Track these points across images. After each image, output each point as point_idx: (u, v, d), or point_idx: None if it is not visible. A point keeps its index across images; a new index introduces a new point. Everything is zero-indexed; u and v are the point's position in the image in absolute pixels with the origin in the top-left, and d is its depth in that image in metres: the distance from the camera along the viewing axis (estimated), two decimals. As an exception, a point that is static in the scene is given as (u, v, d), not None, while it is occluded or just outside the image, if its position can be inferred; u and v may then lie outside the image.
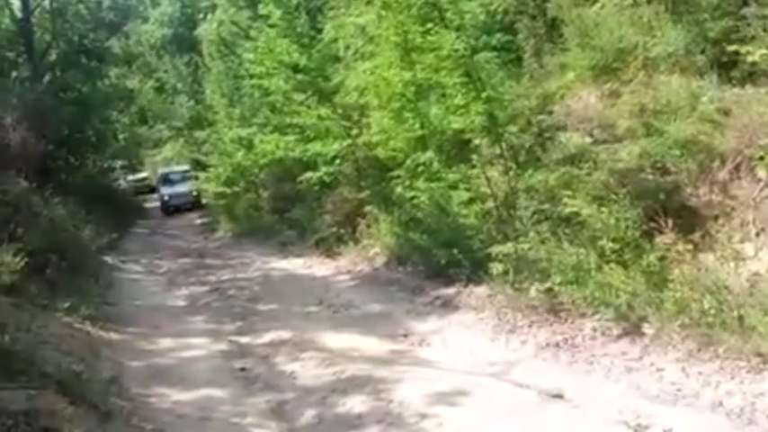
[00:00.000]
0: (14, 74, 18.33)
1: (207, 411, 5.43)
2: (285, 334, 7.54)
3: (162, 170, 29.94)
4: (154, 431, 4.94)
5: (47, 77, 19.22)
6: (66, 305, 7.90)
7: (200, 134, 24.13)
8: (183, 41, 30.29)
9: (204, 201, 26.57)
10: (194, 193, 26.40)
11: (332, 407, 5.47)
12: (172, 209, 27.24)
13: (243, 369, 6.51)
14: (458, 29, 8.33)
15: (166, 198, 27.43)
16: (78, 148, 19.47)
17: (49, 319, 7.32)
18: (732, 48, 7.20)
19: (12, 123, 12.37)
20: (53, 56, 20.20)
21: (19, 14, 19.19)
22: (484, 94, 7.85)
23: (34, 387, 4.80)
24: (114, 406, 5.22)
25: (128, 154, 24.71)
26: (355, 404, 5.44)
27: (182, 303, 9.62)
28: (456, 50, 7.96)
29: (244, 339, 7.56)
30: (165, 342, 7.53)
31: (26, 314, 6.87)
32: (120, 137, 24.32)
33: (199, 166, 24.05)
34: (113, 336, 7.63)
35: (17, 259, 7.67)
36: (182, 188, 27.11)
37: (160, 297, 10.13)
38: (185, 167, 28.87)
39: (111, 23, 21.71)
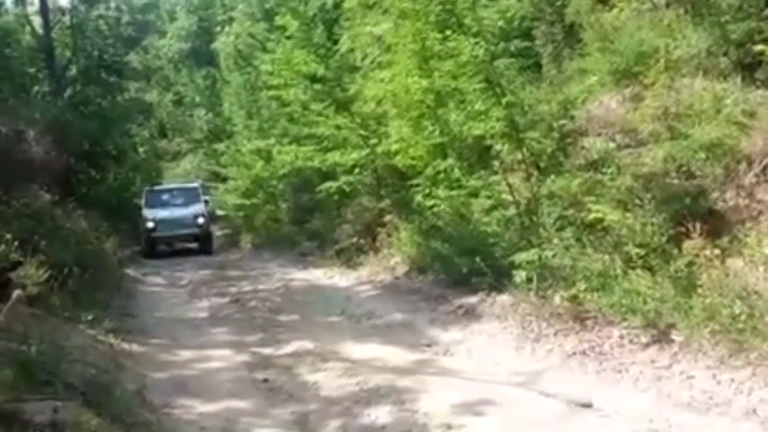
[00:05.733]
0: (36, 88, 18.56)
1: (231, 423, 5.38)
2: (307, 344, 7.49)
3: (151, 188, 20.25)
4: (178, 443, 4.92)
5: (67, 92, 19.43)
6: (90, 317, 7.91)
7: (218, 146, 24.25)
8: (201, 55, 30.54)
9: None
10: (201, 221, 18.20)
11: (356, 417, 5.39)
12: (160, 243, 18.04)
13: (266, 380, 6.46)
14: (476, 35, 8.29)
15: (151, 226, 17.67)
16: (99, 161, 19.65)
17: (73, 331, 7.33)
18: (758, 48, 7.11)
19: (34, 137, 12.48)
20: (74, 71, 20.43)
21: (40, 31, 19.46)
22: (504, 100, 7.79)
23: (59, 398, 4.79)
24: (139, 417, 5.20)
25: (147, 167, 24.50)
26: (380, 415, 5.36)
27: (203, 315, 9.61)
28: (475, 56, 7.92)
29: (266, 350, 7.51)
30: (188, 354, 7.51)
31: (49, 326, 6.88)
32: (140, 150, 24.42)
33: (218, 178, 24.04)
34: (136, 348, 7.63)
35: (40, 271, 7.69)
36: (181, 211, 18.26)
37: (182, 309, 10.13)
38: (192, 184, 21.35)
39: (129, 38, 21.91)
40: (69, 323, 7.67)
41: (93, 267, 9.62)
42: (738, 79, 7.63)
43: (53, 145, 13.19)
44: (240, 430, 5.26)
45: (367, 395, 5.80)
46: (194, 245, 18.43)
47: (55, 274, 7.90)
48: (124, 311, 9.28)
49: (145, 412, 5.45)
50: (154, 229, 17.70)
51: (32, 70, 19.26)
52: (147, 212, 18.22)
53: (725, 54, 8.03)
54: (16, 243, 7.64)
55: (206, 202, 19.58)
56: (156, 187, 20.89)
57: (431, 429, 4.98)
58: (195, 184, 21.17)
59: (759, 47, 7.22)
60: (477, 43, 8.06)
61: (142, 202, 19.05)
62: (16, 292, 5.72)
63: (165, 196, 19.42)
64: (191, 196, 19.32)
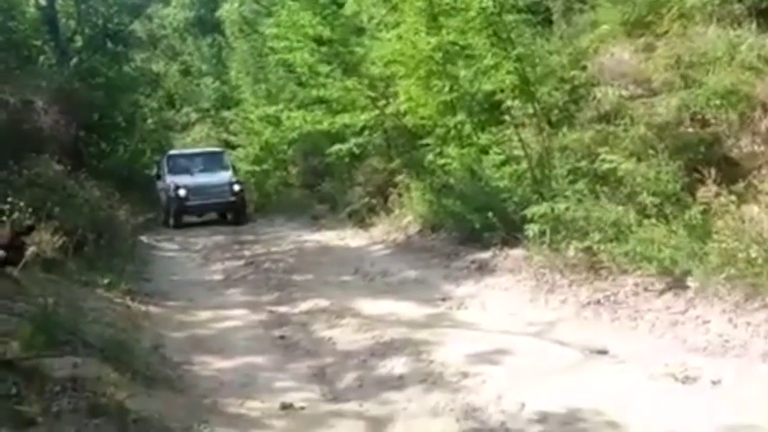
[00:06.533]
0: (42, 58, 18.48)
1: (249, 377, 5.43)
2: (322, 302, 7.53)
3: (172, 153, 18.60)
4: (199, 396, 4.97)
5: (73, 62, 19.35)
6: (106, 281, 7.98)
7: (227, 114, 24.15)
8: (206, 23, 30.20)
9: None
10: (237, 188, 16.31)
11: (372, 369, 5.44)
12: (191, 214, 16.31)
13: (282, 337, 6.52)
14: (484, -12, 8.16)
15: (182, 194, 15.82)
16: (109, 133, 19.67)
17: (89, 295, 7.40)
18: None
19: (42, 107, 12.47)
20: (79, 42, 20.33)
21: (43, 2, 19.34)
22: (514, 52, 7.69)
23: (79, 355, 4.85)
24: (158, 374, 5.26)
25: (157, 137, 24.33)
26: (396, 366, 5.40)
27: (218, 277, 9.67)
28: (484, 9, 7.80)
29: (281, 309, 7.56)
30: (204, 314, 7.57)
31: (66, 289, 6.96)
32: (149, 121, 24.33)
33: (227, 146, 23.91)
34: (153, 309, 7.69)
35: (55, 237, 7.75)
36: (211, 178, 16.52)
37: (196, 272, 10.20)
38: (217, 149, 19.83)
39: (133, 6, 21.73)
40: (86, 287, 7.75)
41: (108, 234, 9.66)
42: (753, 25, 7.50)
43: (62, 115, 13.19)
44: (259, 384, 5.30)
45: (383, 348, 5.83)
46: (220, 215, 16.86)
47: (70, 240, 7.97)
48: (140, 275, 9.35)
49: (164, 369, 5.51)
50: (186, 198, 15.85)
51: (38, 42, 19.17)
52: (173, 179, 16.29)
53: (739, 0, 7.87)
54: (30, 210, 7.69)
55: (234, 168, 17.96)
56: (178, 151, 19.43)
57: (447, 377, 5.01)
58: (220, 149, 19.68)
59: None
60: (485, -5, 7.94)
61: (163, 167, 17.39)
62: (31, 249, 5.77)
63: (189, 162, 17.53)
64: (217, 162, 17.70)
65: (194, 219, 16.65)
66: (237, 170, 18.23)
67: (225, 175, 16.82)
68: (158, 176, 17.79)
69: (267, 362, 5.88)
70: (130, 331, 6.35)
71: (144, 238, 13.13)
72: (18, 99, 11.80)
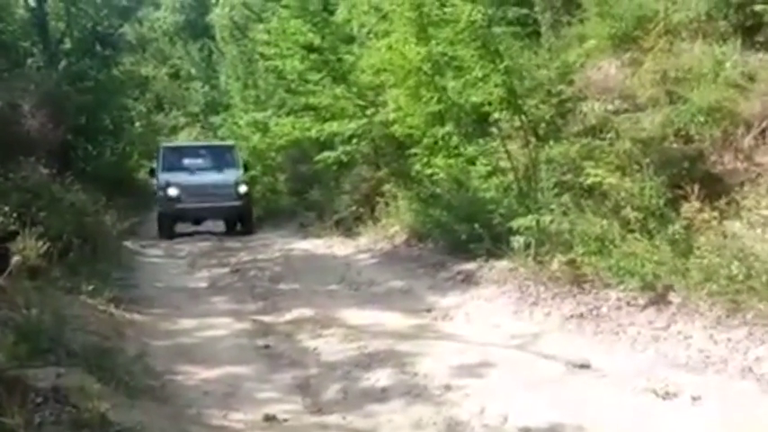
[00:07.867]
0: (30, 60, 18.38)
1: (233, 388, 5.41)
2: (308, 312, 7.52)
3: (170, 146, 16.47)
4: (182, 407, 4.95)
5: (62, 65, 19.26)
6: (90, 288, 7.90)
7: (215, 119, 24.15)
8: (196, 27, 30.36)
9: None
10: (242, 189, 14.44)
11: (356, 381, 5.43)
12: (185, 219, 14.45)
13: (267, 347, 6.50)
14: (474, 0, 8.24)
15: (173, 194, 13.82)
16: (96, 136, 19.59)
17: (73, 302, 7.33)
18: (758, 7, 7.08)
19: (30, 110, 12.39)
20: (68, 44, 20.26)
21: (32, 3, 19.26)
22: (502, 65, 7.76)
23: (62, 365, 4.83)
24: (142, 383, 5.23)
25: (145, 141, 24.26)
26: (380, 378, 5.40)
27: (203, 285, 9.63)
28: (473, 22, 7.87)
29: (266, 318, 7.54)
30: (189, 322, 7.53)
31: (50, 297, 6.89)
32: (137, 124, 24.25)
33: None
34: (137, 317, 7.64)
35: (39, 243, 7.68)
36: (213, 176, 14.40)
37: (181, 279, 10.15)
38: (227, 142, 17.70)
39: (123, 9, 21.69)
40: (70, 294, 7.66)
41: (93, 239, 9.60)
42: (738, 42, 7.62)
43: (49, 118, 13.10)
44: (243, 395, 5.29)
45: (367, 359, 5.83)
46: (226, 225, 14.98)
47: (54, 246, 7.90)
48: (125, 282, 9.26)
49: (148, 378, 5.47)
50: (177, 199, 13.61)
51: (26, 44, 19.08)
52: (167, 177, 13.94)
53: (725, 17, 7.99)
54: (15, 215, 7.63)
55: (245, 166, 15.59)
56: (176, 144, 17.32)
57: (431, 390, 5.03)
58: (230, 143, 17.03)
59: (759, 6, 7.18)
60: (474, 8, 8.01)
61: (157, 163, 15.09)
62: (15, 258, 5.73)
63: (190, 156, 15.08)
64: (225, 158, 15.18)
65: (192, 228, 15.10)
66: (248, 169, 15.97)
67: (231, 174, 14.46)
68: (151, 173, 15.48)
69: (251, 372, 5.86)
70: (114, 339, 6.32)
71: (129, 244, 13.06)
72: (5, 102, 11.72)
